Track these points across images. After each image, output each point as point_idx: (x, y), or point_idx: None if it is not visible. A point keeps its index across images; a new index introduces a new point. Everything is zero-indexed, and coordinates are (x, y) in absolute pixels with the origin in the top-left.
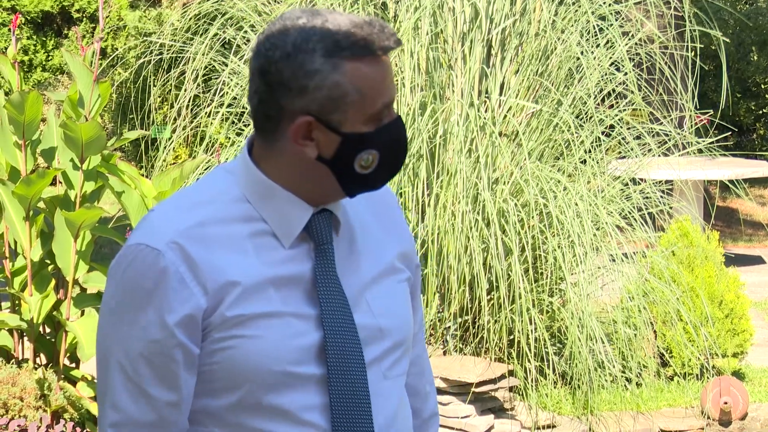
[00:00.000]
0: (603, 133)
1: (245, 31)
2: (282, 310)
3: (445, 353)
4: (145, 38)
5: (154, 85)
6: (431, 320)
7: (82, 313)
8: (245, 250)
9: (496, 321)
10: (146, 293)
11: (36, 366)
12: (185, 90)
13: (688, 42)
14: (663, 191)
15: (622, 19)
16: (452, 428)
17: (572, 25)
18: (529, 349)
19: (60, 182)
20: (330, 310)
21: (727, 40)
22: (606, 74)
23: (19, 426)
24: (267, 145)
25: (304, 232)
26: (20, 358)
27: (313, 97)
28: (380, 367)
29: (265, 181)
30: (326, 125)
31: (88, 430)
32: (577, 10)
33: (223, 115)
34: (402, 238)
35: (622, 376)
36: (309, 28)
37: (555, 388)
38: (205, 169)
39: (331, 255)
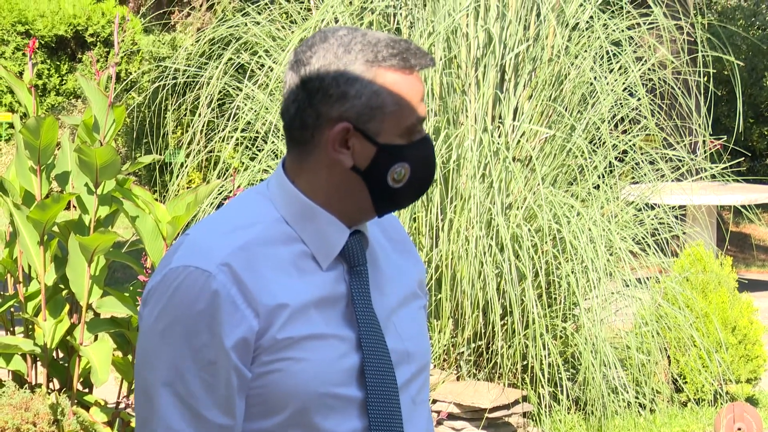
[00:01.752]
0: (616, 158)
1: (259, 56)
2: (325, 332)
3: (458, 378)
4: (159, 63)
5: (169, 110)
6: (445, 345)
7: (96, 338)
8: (289, 272)
9: (509, 346)
10: (199, 315)
11: (49, 391)
12: (199, 114)
13: (700, 67)
14: (676, 216)
15: (635, 44)
16: None
17: (585, 51)
18: (543, 375)
19: (74, 207)
20: (367, 332)
21: (741, 63)
22: (619, 99)
23: None
24: (301, 157)
25: (338, 253)
26: (33, 383)
27: (352, 104)
28: (409, 392)
29: (304, 201)
30: (363, 134)
31: None
32: (590, 36)
33: (237, 139)
34: (417, 265)
35: (635, 402)
36: (350, 38)
37: (569, 413)
38: (219, 194)
39: (366, 277)
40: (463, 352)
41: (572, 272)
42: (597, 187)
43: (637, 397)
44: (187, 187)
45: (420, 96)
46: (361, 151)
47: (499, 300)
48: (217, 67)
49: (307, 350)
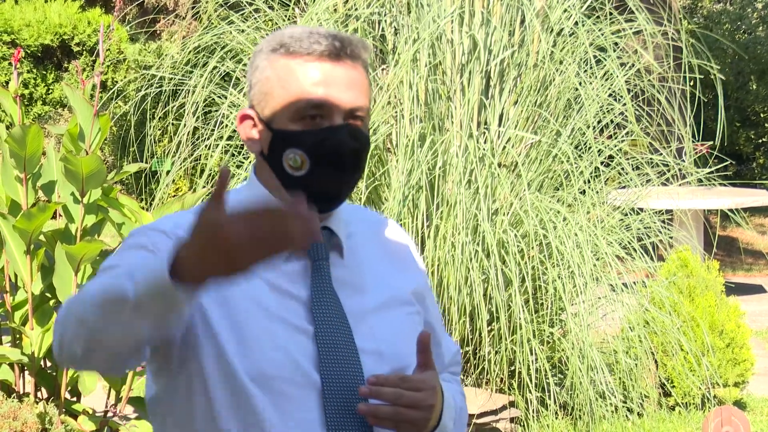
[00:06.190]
0: (602, 163)
1: (244, 64)
2: (286, 318)
3: None
4: (144, 71)
5: (154, 118)
6: None
7: None
8: None
9: (496, 352)
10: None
11: (37, 400)
12: (185, 122)
13: (686, 72)
14: (663, 221)
15: (620, 50)
16: None
17: (570, 56)
18: (530, 380)
19: (60, 216)
20: (325, 327)
21: (723, 77)
22: (604, 105)
23: None
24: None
25: None
26: (21, 392)
27: (254, 92)
28: None
29: (263, 193)
30: (260, 119)
31: None
32: (575, 42)
33: (222, 147)
34: (414, 274)
35: (623, 407)
36: (273, 35)
37: (556, 418)
38: None
39: (327, 271)
40: None
41: (559, 277)
42: (583, 193)
43: (624, 402)
44: (174, 195)
45: (323, 81)
46: (262, 137)
47: (485, 306)
48: (202, 75)
49: (265, 330)
